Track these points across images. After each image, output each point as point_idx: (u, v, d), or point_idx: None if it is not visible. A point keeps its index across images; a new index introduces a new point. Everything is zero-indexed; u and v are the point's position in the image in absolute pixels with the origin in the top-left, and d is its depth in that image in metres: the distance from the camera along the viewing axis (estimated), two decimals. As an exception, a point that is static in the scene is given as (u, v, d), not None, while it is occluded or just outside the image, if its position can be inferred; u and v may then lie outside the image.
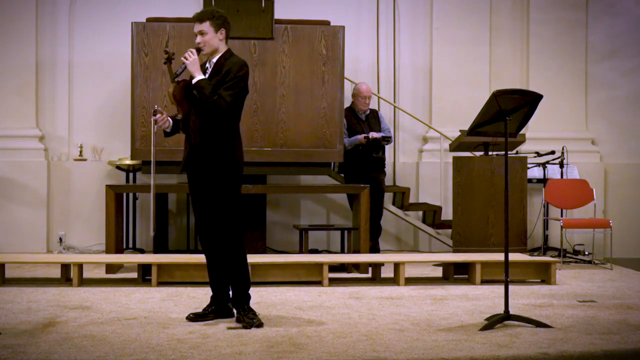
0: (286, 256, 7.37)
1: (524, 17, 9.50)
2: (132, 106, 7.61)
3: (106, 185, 7.47)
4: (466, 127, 5.49)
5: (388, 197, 8.90)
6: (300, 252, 7.84)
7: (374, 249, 8.22)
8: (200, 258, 6.87)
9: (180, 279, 6.60)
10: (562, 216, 8.77)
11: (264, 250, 7.98)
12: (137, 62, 7.57)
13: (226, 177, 5.01)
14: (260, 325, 4.91)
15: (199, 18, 5.04)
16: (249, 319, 4.94)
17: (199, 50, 5.03)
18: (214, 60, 5.06)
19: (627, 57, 9.62)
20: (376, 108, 8.87)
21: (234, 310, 5.11)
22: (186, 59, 4.96)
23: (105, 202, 7.42)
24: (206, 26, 5.01)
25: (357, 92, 8.32)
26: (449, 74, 9.33)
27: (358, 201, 7.63)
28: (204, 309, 5.21)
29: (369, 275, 7.27)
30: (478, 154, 8.22)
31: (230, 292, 5.17)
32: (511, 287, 5.59)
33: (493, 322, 4.94)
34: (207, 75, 5.01)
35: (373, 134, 8.10)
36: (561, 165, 8.69)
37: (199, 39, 5.03)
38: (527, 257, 7.16)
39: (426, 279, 7.07)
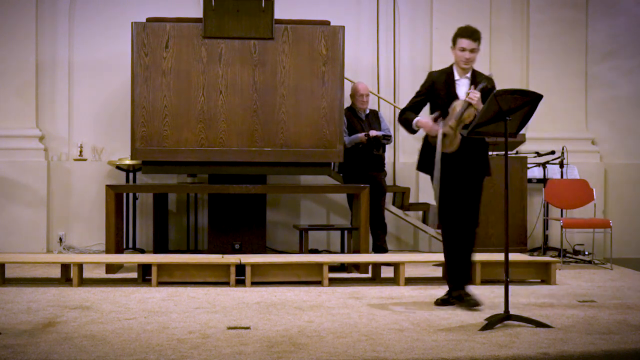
0: (286, 256, 7.37)
1: (524, 17, 9.51)
2: (132, 106, 7.61)
3: (106, 185, 7.47)
4: (466, 127, 5.48)
5: (388, 197, 8.90)
6: (300, 252, 7.84)
7: (381, 248, 8.18)
8: (200, 258, 6.87)
9: (180, 279, 6.60)
10: (562, 216, 8.77)
11: (264, 250, 7.98)
12: (137, 62, 7.57)
13: None
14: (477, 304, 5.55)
15: (476, 37, 5.57)
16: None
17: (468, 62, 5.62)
18: (469, 74, 5.66)
19: (627, 57, 9.61)
20: (376, 108, 8.87)
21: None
22: (472, 100, 5.41)
23: (105, 202, 7.43)
24: (477, 45, 5.62)
25: (354, 91, 8.33)
26: (449, 74, 9.31)
27: (358, 201, 7.63)
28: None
29: (369, 275, 7.27)
30: (478, 154, 8.20)
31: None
32: (511, 287, 5.58)
33: (493, 322, 4.94)
34: (469, 88, 5.53)
35: (373, 132, 8.10)
36: (561, 165, 8.69)
37: (468, 55, 5.56)
38: (527, 257, 7.16)
39: (426, 279, 7.06)
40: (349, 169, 8.22)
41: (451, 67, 5.74)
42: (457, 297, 5.69)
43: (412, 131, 5.76)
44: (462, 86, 5.65)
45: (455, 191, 5.67)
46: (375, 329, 4.86)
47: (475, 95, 5.41)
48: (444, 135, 5.49)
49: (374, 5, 9.40)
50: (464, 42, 5.59)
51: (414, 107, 5.80)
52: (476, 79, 5.65)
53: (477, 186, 5.71)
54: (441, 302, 5.72)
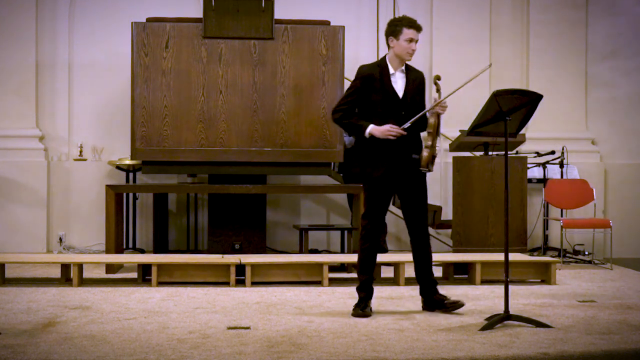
0: (286, 256, 7.37)
1: (524, 17, 9.50)
2: (132, 106, 7.61)
3: (106, 185, 7.47)
4: (466, 127, 5.48)
5: (388, 197, 8.89)
6: (300, 252, 7.84)
7: (381, 248, 8.17)
8: (200, 258, 6.87)
9: (180, 279, 6.60)
10: (562, 216, 8.77)
11: (264, 250, 7.98)
12: (137, 62, 7.57)
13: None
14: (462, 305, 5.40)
15: (420, 28, 5.34)
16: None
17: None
18: (403, 67, 5.38)
19: (627, 57, 9.61)
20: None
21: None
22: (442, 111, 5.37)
23: (105, 202, 7.43)
24: (419, 36, 5.33)
25: (356, 92, 8.32)
26: (449, 73, 9.24)
27: (358, 201, 7.64)
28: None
29: (369, 275, 7.26)
30: (478, 154, 8.22)
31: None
32: (511, 287, 5.58)
33: (493, 322, 4.94)
34: (404, 83, 5.34)
35: (373, 133, 8.10)
36: (561, 165, 8.69)
37: (414, 46, 5.31)
38: (527, 257, 7.16)
39: (426, 279, 7.05)
40: (350, 168, 8.22)
41: (384, 60, 5.37)
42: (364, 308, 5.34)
43: (360, 136, 5.31)
44: (398, 80, 5.34)
45: (391, 192, 5.42)
46: (375, 329, 4.86)
47: (444, 106, 5.33)
48: (432, 156, 5.24)
49: (374, 5, 9.40)
50: (411, 33, 5.27)
51: (351, 106, 5.35)
52: (410, 72, 5.38)
53: (420, 184, 5.41)
54: (361, 314, 5.27)
